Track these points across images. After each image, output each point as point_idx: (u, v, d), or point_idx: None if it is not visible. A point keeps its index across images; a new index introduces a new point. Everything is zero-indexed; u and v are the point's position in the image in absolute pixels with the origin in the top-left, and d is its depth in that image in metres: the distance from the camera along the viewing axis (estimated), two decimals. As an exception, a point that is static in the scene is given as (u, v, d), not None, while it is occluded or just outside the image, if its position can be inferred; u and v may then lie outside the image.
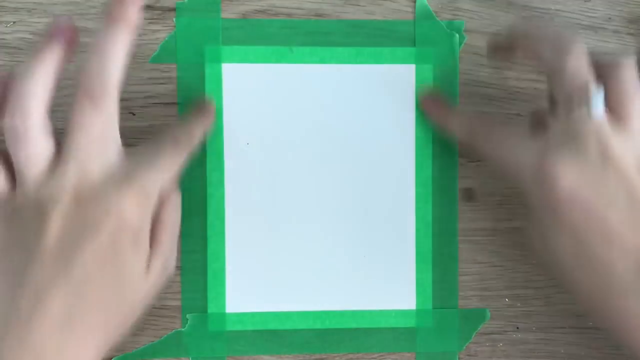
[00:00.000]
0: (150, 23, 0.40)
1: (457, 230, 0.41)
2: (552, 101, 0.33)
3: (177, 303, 0.40)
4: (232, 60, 0.40)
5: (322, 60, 0.40)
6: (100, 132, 0.30)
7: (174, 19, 0.40)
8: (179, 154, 0.34)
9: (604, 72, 0.32)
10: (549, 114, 0.34)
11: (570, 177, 0.30)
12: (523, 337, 0.42)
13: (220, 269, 0.40)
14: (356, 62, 0.40)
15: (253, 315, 0.40)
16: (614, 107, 0.31)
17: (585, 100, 0.31)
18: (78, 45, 0.31)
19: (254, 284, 0.40)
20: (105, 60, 0.30)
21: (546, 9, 0.41)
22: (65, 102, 0.39)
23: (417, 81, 0.40)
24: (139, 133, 0.40)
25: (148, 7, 0.40)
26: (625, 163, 0.30)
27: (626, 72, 0.31)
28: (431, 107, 0.40)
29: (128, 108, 0.40)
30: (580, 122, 0.31)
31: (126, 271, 0.30)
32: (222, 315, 0.40)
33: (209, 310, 0.40)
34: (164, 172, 0.32)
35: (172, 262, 0.35)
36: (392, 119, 0.41)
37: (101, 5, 0.39)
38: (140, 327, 0.40)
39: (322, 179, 0.40)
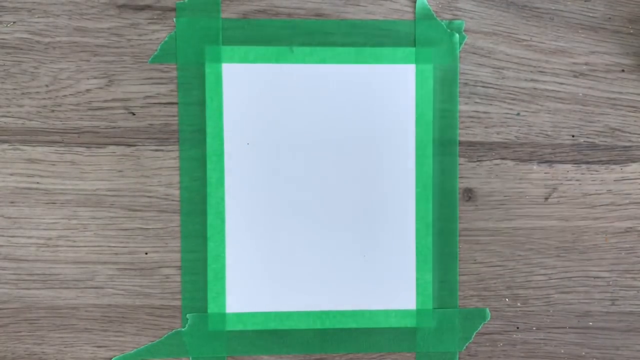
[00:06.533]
0: (150, 23, 0.40)
1: (457, 230, 0.41)
2: None
3: (177, 303, 0.40)
4: (232, 60, 0.40)
5: (322, 60, 0.40)
6: None
7: (174, 19, 0.40)
8: None
9: None
10: None
11: None
12: (523, 337, 0.42)
13: (220, 269, 0.40)
14: (356, 62, 0.40)
15: (253, 315, 0.40)
16: None
17: None
18: None
19: (254, 284, 0.40)
20: None
21: (546, 9, 0.41)
22: (65, 102, 0.39)
23: (417, 81, 0.40)
24: (139, 133, 0.40)
25: (148, 7, 0.40)
26: None
27: None
28: None
29: (128, 108, 0.40)
30: None
31: None
32: (222, 315, 0.40)
33: (209, 310, 0.40)
34: None
35: None
36: (392, 119, 0.41)
37: (101, 5, 0.39)
38: (140, 327, 0.40)
39: (322, 178, 0.40)
